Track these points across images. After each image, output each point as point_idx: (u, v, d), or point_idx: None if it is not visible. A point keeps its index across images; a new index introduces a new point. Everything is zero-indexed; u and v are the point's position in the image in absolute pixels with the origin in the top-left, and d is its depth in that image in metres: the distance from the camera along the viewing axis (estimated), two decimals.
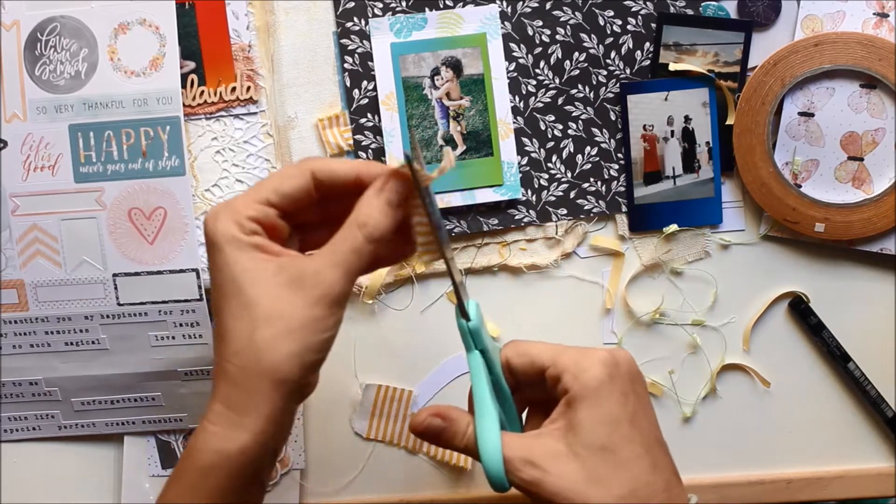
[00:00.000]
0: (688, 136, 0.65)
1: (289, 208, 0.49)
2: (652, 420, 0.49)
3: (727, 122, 0.64)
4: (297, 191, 0.49)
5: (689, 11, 0.64)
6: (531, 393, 0.52)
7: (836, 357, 0.66)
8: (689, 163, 0.65)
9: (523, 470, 0.47)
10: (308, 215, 0.51)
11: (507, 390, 0.50)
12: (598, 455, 0.47)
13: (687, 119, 0.64)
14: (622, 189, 0.65)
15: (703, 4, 0.64)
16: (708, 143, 0.64)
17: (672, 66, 0.64)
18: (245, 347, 0.47)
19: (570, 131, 0.65)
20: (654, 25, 0.64)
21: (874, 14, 0.62)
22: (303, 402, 0.66)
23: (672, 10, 0.64)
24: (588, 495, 0.46)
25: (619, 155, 0.65)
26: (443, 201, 0.64)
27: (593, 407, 0.47)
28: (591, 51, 0.64)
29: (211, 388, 0.49)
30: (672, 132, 0.65)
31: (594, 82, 0.65)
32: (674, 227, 0.65)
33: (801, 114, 0.63)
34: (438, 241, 0.49)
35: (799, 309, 0.66)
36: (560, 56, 0.64)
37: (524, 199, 0.65)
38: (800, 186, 0.64)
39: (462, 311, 0.49)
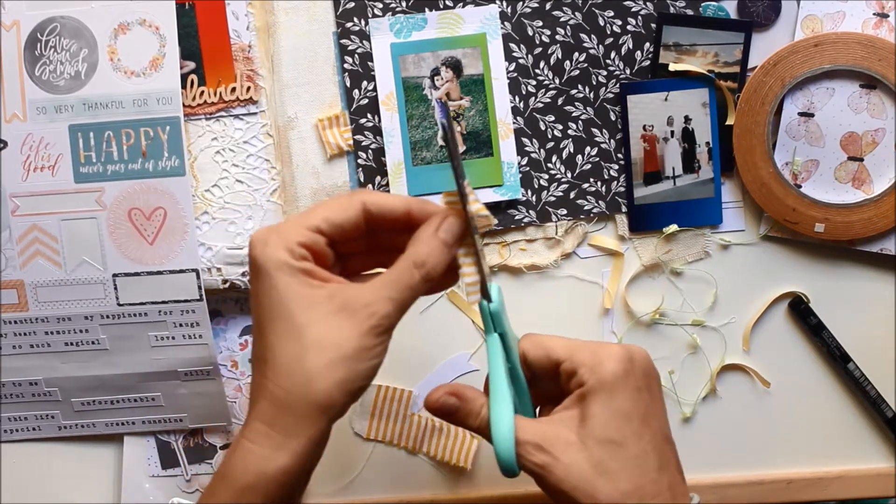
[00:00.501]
0: (688, 137, 0.65)
1: (337, 237, 0.50)
2: (662, 418, 0.50)
3: (727, 123, 0.64)
4: (347, 221, 0.49)
5: (689, 12, 0.64)
6: (545, 387, 0.52)
7: (835, 357, 0.66)
8: (689, 163, 0.65)
9: (534, 454, 0.48)
10: (353, 244, 0.52)
11: (523, 379, 0.51)
12: (608, 448, 0.47)
13: (687, 119, 0.64)
14: (622, 189, 0.65)
15: (703, 4, 0.64)
16: (708, 143, 0.64)
17: (672, 67, 0.64)
18: (293, 372, 0.47)
19: (570, 131, 0.65)
20: (654, 26, 0.64)
21: (874, 14, 0.62)
22: None
23: (672, 10, 0.64)
24: (595, 486, 0.47)
25: (619, 155, 0.65)
26: None
27: (607, 401, 0.48)
28: (591, 51, 0.64)
29: (249, 403, 0.49)
30: (672, 132, 0.65)
31: (594, 82, 0.65)
32: (674, 228, 0.65)
33: (801, 114, 0.63)
34: (484, 280, 0.50)
35: (799, 309, 0.66)
36: (560, 56, 0.64)
37: (524, 199, 0.65)
38: (800, 187, 0.64)
39: (484, 293, 0.50)
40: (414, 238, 0.49)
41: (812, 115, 0.63)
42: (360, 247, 0.52)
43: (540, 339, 0.51)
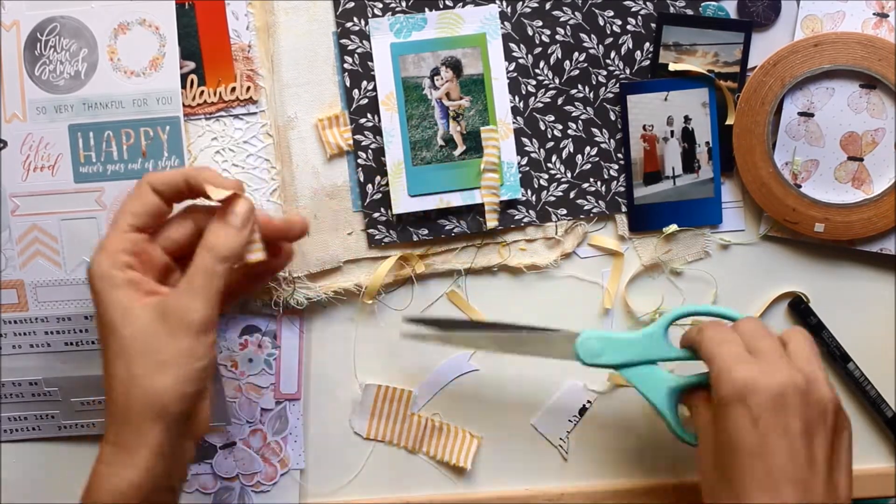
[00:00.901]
0: (688, 136, 0.65)
1: (151, 224, 0.52)
2: (799, 457, 0.46)
3: (727, 122, 0.64)
4: (148, 205, 0.52)
5: (689, 11, 0.63)
6: None
7: (836, 357, 0.66)
8: (689, 163, 0.65)
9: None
10: (177, 236, 0.54)
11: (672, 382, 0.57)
12: (714, 474, 0.49)
13: (687, 119, 0.64)
14: (622, 189, 0.65)
15: (703, 4, 0.64)
16: (708, 143, 0.64)
17: (672, 67, 0.64)
18: (125, 385, 0.49)
19: (569, 131, 0.65)
20: (653, 25, 0.64)
21: (874, 14, 0.62)
22: (302, 403, 0.67)
23: (672, 10, 0.64)
24: (707, 496, 0.50)
25: (619, 155, 0.65)
26: (442, 201, 0.64)
27: (715, 428, 0.49)
28: (591, 51, 0.64)
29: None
30: (672, 132, 0.65)
31: (594, 82, 0.65)
32: (673, 228, 0.65)
33: (800, 114, 0.63)
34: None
35: (799, 309, 0.66)
36: (560, 56, 0.64)
37: (524, 199, 0.65)
38: (800, 186, 0.64)
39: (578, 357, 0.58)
40: (206, 229, 0.52)
41: (812, 115, 0.63)
42: (185, 236, 0.54)
43: (708, 333, 0.53)
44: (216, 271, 0.50)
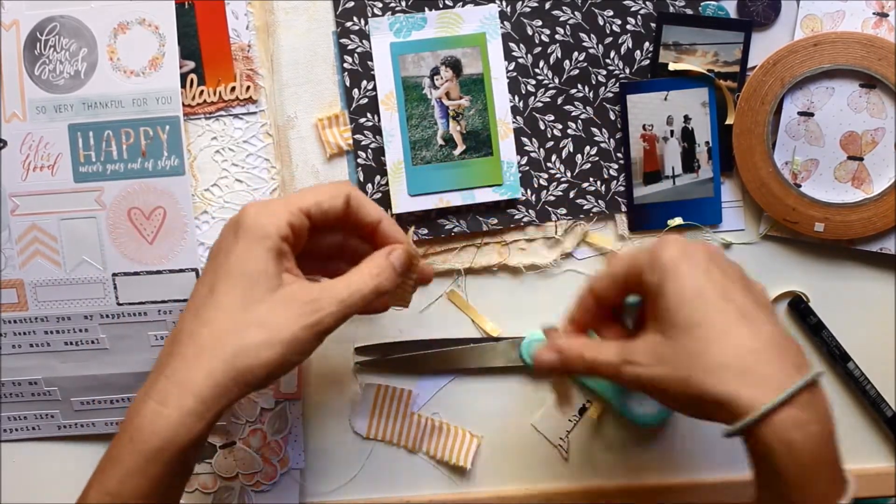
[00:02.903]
0: (687, 136, 0.65)
1: (320, 224, 0.53)
2: (749, 293, 0.49)
3: (727, 122, 0.64)
4: (333, 209, 0.53)
5: (689, 11, 0.63)
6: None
7: (835, 357, 0.66)
8: (689, 163, 0.65)
9: (624, 369, 0.49)
10: (328, 240, 0.55)
11: None
12: (689, 333, 0.47)
13: (686, 119, 0.64)
14: (622, 189, 0.65)
15: (702, 4, 0.64)
16: (707, 142, 0.64)
17: (672, 66, 0.64)
18: (227, 340, 0.48)
19: (569, 131, 0.65)
20: (653, 25, 0.64)
21: (874, 14, 0.62)
22: (302, 402, 0.67)
23: (672, 9, 0.64)
24: (689, 374, 0.46)
25: (619, 155, 0.65)
26: (442, 201, 0.64)
27: (674, 286, 0.48)
28: (591, 50, 0.64)
29: (160, 360, 0.50)
30: (672, 132, 0.65)
31: (593, 82, 0.65)
32: (678, 220, 0.65)
33: (800, 113, 0.63)
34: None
35: (799, 309, 0.66)
36: (559, 56, 0.64)
37: (524, 198, 0.65)
38: (799, 186, 0.64)
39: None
40: (370, 257, 0.53)
41: (812, 115, 0.63)
42: (330, 244, 0.56)
43: (609, 272, 0.52)
44: (368, 299, 0.51)
